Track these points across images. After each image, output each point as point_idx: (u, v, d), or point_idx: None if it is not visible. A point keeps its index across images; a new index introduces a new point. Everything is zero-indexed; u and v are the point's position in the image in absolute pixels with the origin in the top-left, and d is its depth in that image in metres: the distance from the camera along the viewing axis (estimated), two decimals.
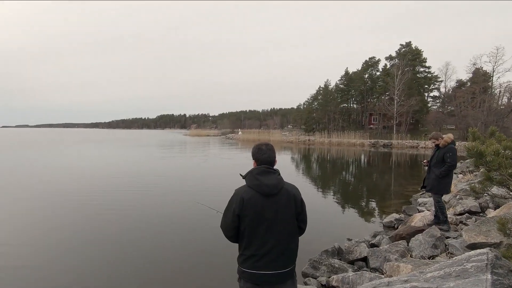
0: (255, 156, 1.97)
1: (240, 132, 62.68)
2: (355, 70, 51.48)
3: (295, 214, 1.90)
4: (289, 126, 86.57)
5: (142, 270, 4.31)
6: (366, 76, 49.71)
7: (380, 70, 48.63)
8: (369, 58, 50.17)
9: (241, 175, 1.97)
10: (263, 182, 1.83)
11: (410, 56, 43.62)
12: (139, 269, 4.34)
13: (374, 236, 5.02)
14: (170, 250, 5.03)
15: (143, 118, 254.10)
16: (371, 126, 46.52)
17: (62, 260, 4.65)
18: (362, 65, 50.76)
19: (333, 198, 9.37)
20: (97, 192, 9.36)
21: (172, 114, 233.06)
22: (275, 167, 1.97)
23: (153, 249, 5.02)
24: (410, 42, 45.43)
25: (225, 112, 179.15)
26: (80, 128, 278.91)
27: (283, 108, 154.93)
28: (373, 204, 8.64)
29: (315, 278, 3.70)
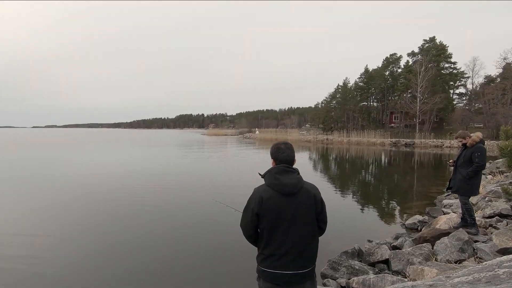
0: (274, 155, 1.95)
1: (257, 132, 62.78)
2: (375, 67, 50.10)
3: (315, 214, 1.88)
4: (307, 125, 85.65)
5: (160, 266, 4.41)
6: (387, 73, 48.20)
7: (402, 67, 47.00)
8: (390, 55, 48.62)
9: (260, 174, 1.97)
10: (282, 181, 1.82)
11: (434, 52, 41.80)
12: (157, 265, 4.44)
13: (396, 238, 4.86)
14: (188, 247, 5.11)
15: (162, 118, 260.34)
16: (392, 124, 45.08)
17: (84, 251, 4.85)
18: (383, 62, 49.26)
19: (352, 198, 9.18)
20: (120, 189, 9.71)
21: (191, 114, 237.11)
22: (294, 166, 1.95)
23: (171, 247, 5.13)
24: (434, 37, 43.54)
25: (242, 112, 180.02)
26: (104, 128, 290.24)
27: (301, 107, 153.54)
28: (394, 205, 8.38)
29: (335, 280, 3.64)
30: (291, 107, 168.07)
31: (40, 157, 21.24)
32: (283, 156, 1.91)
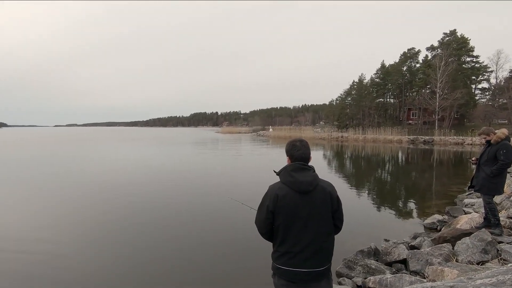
0: (289, 152, 1.94)
1: (271, 129, 62.67)
2: (392, 62, 48.80)
3: (330, 212, 1.86)
4: (321, 123, 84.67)
5: (174, 262, 4.50)
6: (405, 68, 46.86)
7: (420, 61, 45.53)
8: (408, 49, 47.21)
9: (275, 171, 1.96)
10: (297, 179, 1.81)
11: (455, 45, 40.16)
12: (173, 260, 4.53)
13: (414, 237, 4.74)
14: (203, 245, 5.17)
15: (177, 116, 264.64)
16: (410, 121, 43.82)
17: (97, 243, 5.01)
18: (400, 57, 47.91)
19: (368, 196, 9.01)
20: (138, 185, 9.95)
21: (205, 112, 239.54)
22: (309, 163, 1.93)
23: (187, 243, 5.21)
24: (455, 30, 41.82)
25: (256, 109, 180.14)
26: (121, 126, 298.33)
27: (315, 104, 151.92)
28: (412, 204, 8.16)
29: (350, 279, 3.60)
30: (305, 104, 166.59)
31: (69, 154, 22.13)
32: (298, 154, 1.90)
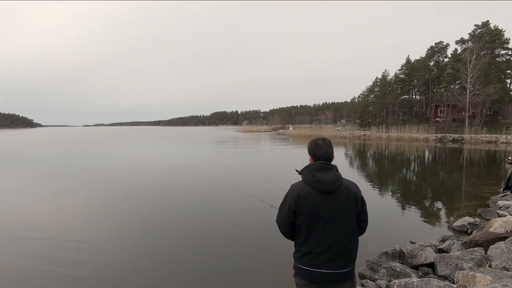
0: (311, 151, 1.91)
1: (291, 128, 62.23)
2: (418, 57, 46.75)
3: (355, 213, 1.81)
4: (343, 121, 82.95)
5: (194, 260, 4.55)
6: (432, 63, 44.78)
7: (449, 56, 43.31)
8: (435, 43, 45.05)
9: (297, 170, 1.94)
10: (320, 178, 1.77)
11: (487, 38, 37.79)
12: (192, 259, 4.60)
13: (443, 240, 4.52)
14: (224, 242, 5.22)
15: (198, 115, 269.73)
16: (437, 119, 41.85)
17: (122, 234, 5.21)
18: (427, 51, 45.85)
19: (392, 197, 8.71)
20: (161, 181, 10.26)
21: (225, 111, 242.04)
22: (332, 163, 1.89)
23: (206, 241, 5.27)
24: (487, 21, 39.33)
25: (275, 108, 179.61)
26: (145, 126, 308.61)
27: (336, 102, 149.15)
28: (439, 205, 7.79)
29: (373, 281, 3.49)
30: (325, 102, 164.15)
31: (102, 151, 23.37)
32: (321, 153, 1.86)
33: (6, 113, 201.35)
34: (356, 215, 1.82)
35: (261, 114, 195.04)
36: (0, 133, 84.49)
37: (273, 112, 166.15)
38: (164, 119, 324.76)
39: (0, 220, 6.49)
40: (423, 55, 46.08)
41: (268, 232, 5.36)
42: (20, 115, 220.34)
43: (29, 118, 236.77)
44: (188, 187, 9.70)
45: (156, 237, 5.45)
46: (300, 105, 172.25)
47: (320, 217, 1.76)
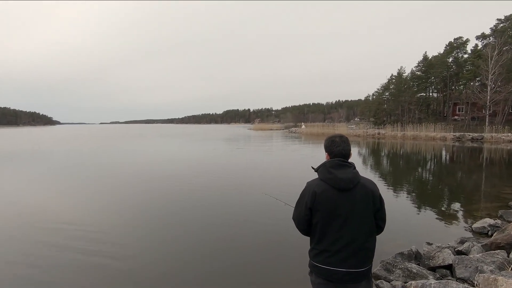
0: (328, 148, 1.89)
1: (303, 126, 61.75)
2: (436, 54, 45.31)
3: (372, 211, 1.78)
4: (356, 119, 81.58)
5: (207, 257, 4.58)
6: (450, 60, 43.26)
7: (469, 51, 41.73)
8: (455, 39, 43.43)
9: (313, 168, 1.92)
10: (337, 175, 1.75)
11: (511, 32, 36.19)
12: (205, 256, 4.63)
13: (462, 242, 4.38)
14: (237, 239, 5.25)
15: (210, 113, 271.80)
16: (456, 117, 40.49)
17: (139, 226, 5.32)
18: (445, 47, 44.31)
19: (408, 197, 8.50)
20: (175, 178, 10.42)
21: (237, 109, 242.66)
22: (350, 160, 1.86)
23: (220, 238, 5.31)
24: (511, 15, 37.63)
25: (288, 106, 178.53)
26: (159, 123, 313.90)
27: (349, 100, 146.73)
28: (457, 206, 7.55)
29: (389, 282, 3.43)
30: (338, 100, 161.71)
31: (121, 148, 24.05)
32: (338, 150, 1.84)
33: (27, 111, 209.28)
34: (374, 213, 1.79)
35: (273, 112, 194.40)
36: (23, 130, 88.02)
37: (285, 110, 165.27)
38: (177, 117, 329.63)
39: (26, 211, 6.77)
40: (441, 51, 44.64)
41: (282, 228, 5.38)
42: (41, 113, 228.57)
43: (48, 116, 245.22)
44: (202, 183, 9.82)
45: (170, 231, 5.61)
46: (312, 103, 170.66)
47: (336, 215, 1.74)
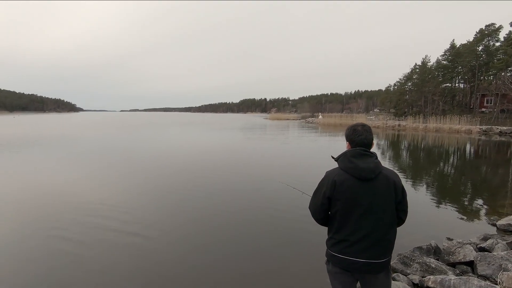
0: (349, 137, 1.84)
1: (320, 116, 60.81)
2: (465, 42, 42.79)
3: (394, 203, 1.74)
4: (376, 110, 79.26)
5: (223, 242, 4.68)
6: (480, 48, 40.78)
7: (502, 39, 39.10)
8: (486, 26, 40.78)
9: (333, 157, 1.89)
10: (358, 165, 1.71)
11: None
12: (221, 241, 4.73)
13: (485, 239, 4.23)
14: (253, 226, 5.32)
15: (227, 102, 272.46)
16: (483, 109, 38.43)
17: (156, 211, 5.50)
18: (475, 35, 41.72)
19: (428, 191, 8.26)
20: (192, 166, 10.64)
21: (254, 99, 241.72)
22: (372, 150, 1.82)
23: (236, 224, 5.39)
24: None
25: (305, 96, 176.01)
26: (176, 112, 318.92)
27: (369, 90, 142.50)
28: (480, 202, 7.26)
29: (405, 275, 3.39)
30: (358, 90, 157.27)
31: (143, 135, 24.72)
32: (359, 139, 1.79)
33: (53, 98, 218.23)
34: (395, 205, 1.75)
35: (290, 102, 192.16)
36: (50, 116, 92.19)
37: (302, 100, 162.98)
38: (194, 106, 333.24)
39: (58, 191, 7.18)
40: (470, 39, 42.11)
41: (299, 217, 5.42)
42: (65, 100, 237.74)
43: (72, 102, 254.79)
44: (218, 171, 9.98)
45: (189, 214, 5.82)
46: (330, 93, 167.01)
47: (357, 205, 1.71)
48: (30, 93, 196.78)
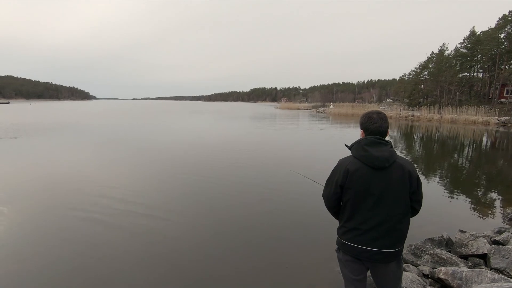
0: (364, 125, 1.81)
1: (331, 106, 59.94)
2: (486, 28, 40.85)
3: (408, 192, 1.71)
4: (389, 100, 77.42)
5: (236, 230, 4.75)
6: (502, 35, 38.85)
7: None
8: (510, 11, 38.74)
9: (346, 145, 1.86)
10: (372, 153, 1.68)
11: None
12: (234, 227, 4.82)
13: (499, 232, 4.15)
14: (265, 214, 5.36)
15: (237, 91, 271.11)
16: (503, 100, 36.99)
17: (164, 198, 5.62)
18: (498, 21, 39.74)
19: (440, 182, 8.11)
20: (198, 157, 10.72)
21: (264, 88, 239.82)
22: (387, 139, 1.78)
23: (249, 212, 5.46)
24: None
25: (316, 85, 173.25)
26: (187, 100, 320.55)
27: (382, 79, 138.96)
28: (495, 195, 7.09)
29: (416, 266, 3.38)
30: (371, 79, 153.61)
31: (155, 124, 25.12)
32: (374, 127, 1.76)
33: (67, 86, 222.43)
34: (409, 195, 1.72)
35: (301, 91, 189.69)
36: (64, 104, 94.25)
37: (313, 89, 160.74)
38: (204, 94, 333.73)
39: (74, 179, 7.42)
40: (492, 26, 40.16)
41: (310, 205, 5.45)
42: (79, 88, 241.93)
43: (86, 91, 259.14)
44: (231, 159, 10.09)
45: (203, 203, 5.86)
46: (342, 82, 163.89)
47: (369, 193, 1.69)
48: (45, 81, 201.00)
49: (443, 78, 39.45)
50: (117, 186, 7.00)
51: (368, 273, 1.86)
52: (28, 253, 3.91)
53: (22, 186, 6.91)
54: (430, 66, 43.24)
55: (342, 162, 1.80)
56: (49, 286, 3.24)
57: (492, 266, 3.12)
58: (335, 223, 1.95)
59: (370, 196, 1.70)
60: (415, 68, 47.06)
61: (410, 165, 1.74)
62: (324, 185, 1.93)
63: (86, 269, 3.51)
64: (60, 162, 9.61)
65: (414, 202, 1.76)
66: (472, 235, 3.81)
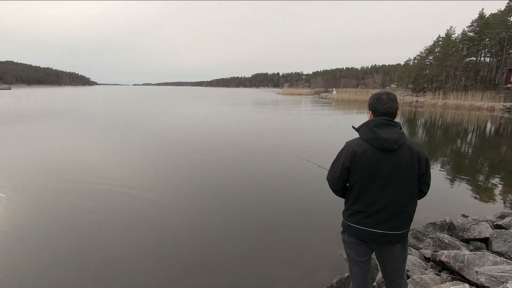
0: (372, 106, 1.76)
1: (334, 92, 59.28)
2: (496, 11, 39.60)
3: (416, 175, 1.69)
4: (393, 85, 76.29)
5: (241, 214, 4.83)
6: (511, 18, 37.72)
7: None
8: None
9: (353, 127, 1.83)
10: (381, 135, 1.65)
11: None
12: (239, 213, 4.88)
13: (502, 217, 4.17)
14: (269, 199, 5.41)
15: (239, 77, 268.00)
16: (509, 85, 36.34)
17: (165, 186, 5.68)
18: (508, 3, 38.42)
19: (443, 168, 8.11)
20: (202, 143, 10.73)
21: (266, 73, 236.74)
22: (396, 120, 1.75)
23: (252, 201, 5.47)
24: None
25: (319, 70, 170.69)
26: (188, 86, 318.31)
27: (386, 64, 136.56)
28: (497, 181, 7.08)
29: (417, 249, 3.42)
30: (374, 64, 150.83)
31: (158, 110, 25.01)
32: (383, 108, 1.71)
33: (68, 71, 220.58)
34: (418, 177, 1.70)
35: (303, 77, 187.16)
36: (66, 90, 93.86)
37: (316, 74, 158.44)
38: (206, 80, 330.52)
39: (75, 166, 7.48)
40: (502, 8, 38.91)
41: (314, 190, 5.52)
42: (79, 74, 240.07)
43: (86, 76, 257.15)
44: (233, 144, 10.12)
45: (205, 190, 5.89)
46: (345, 67, 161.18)
47: (377, 176, 1.67)
48: (45, 67, 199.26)
49: (449, 63, 38.67)
50: (121, 172, 7.06)
51: (373, 254, 1.88)
52: (30, 240, 4.00)
53: (28, 172, 6.98)
54: (436, 50, 42.30)
55: (349, 144, 1.77)
56: (51, 271, 3.33)
57: (494, 250, 3.16)
58: (340, 206, 1.96)
59: (377, 179, 1.68)
60: (421, 52, 46.12)
61: (419, 147, 1.71)
62: (328, 169, 1.92)
63: (86, 257, 3.54)
64: (65, 148, 9.67)
65: (422, 185, 1.75)
66: (474, 219, 3.83)
